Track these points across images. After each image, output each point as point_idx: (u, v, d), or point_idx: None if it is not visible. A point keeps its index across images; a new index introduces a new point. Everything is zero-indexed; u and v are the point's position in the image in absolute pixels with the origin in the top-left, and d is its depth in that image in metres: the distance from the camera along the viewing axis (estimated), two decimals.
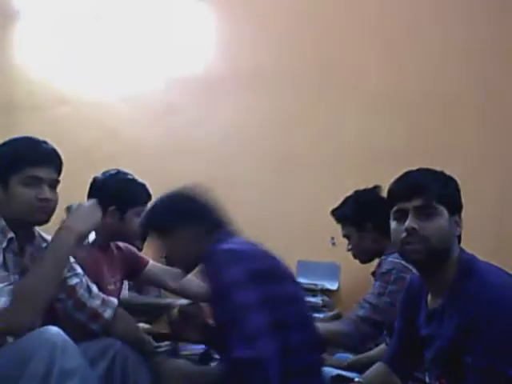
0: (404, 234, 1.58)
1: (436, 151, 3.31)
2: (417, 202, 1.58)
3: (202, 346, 2.91)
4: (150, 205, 2.04)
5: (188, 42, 4.12)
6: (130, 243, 2.54)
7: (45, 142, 1.93)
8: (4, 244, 1.79)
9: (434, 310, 1.62)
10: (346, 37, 3.73)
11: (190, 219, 1.87)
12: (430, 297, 1.67)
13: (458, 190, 1.66)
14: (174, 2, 4.21)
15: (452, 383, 1.60)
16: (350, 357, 2.65)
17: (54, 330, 1.61)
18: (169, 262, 1.95)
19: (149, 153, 4.10)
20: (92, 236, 2.37)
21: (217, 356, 2.22)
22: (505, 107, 3.37)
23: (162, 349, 1.87)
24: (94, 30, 4.33)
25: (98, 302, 2.04)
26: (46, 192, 1.84)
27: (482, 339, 1.45)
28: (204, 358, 2.33)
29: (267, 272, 1.73)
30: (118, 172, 2.38)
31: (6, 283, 1.69)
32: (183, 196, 1.94)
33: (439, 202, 1.58)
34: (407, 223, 1.57)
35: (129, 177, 2.37)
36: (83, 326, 2.01)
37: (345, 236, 2.69)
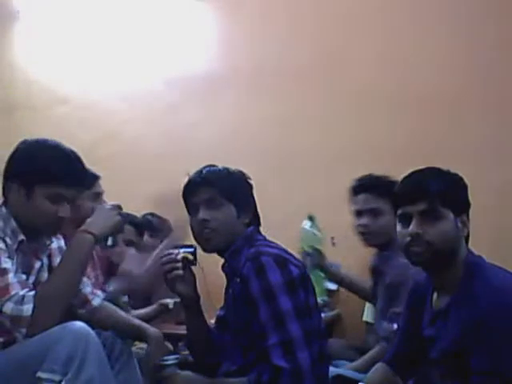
0: (408, 239, 1.59)
1: (437, 150, 3.30)
2: (421, 206, 1.58)
3: None
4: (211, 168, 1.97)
5: (188, 42, 4.12)
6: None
7: (79, 161, 1.89)
8: (15, 246, 1.81)
9: (439, 311, 1.63)
10: (348, 34, 3.72)
11: (243, 199, 1.89)
12: (435, 297, 1.67)
13: (464, 189, 1.65)
14: (174, 1, 4.20)
15: (455, 382, 1.59)
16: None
17: (78, 323, 1.67)
18: (209, 230, 1.86)
19: (148, 153, 4.09)
20: None
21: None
22: (507, 106, 3.37)
23: (169, 362, 1.83)
24: (93, 29, 4.32)
25: (88, 289, 2.06)
26: (67, 210, 1.85)
27: (485, 342, 1.45)
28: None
29: (302, 281, 1.75)
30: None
31: (27, 289, 1.72)
32: (245, 177, 1.95)
33: (444, 204, 1.57)
34: (411, 228, 1.58)
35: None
36: (71, 310, 2.00)
37: (370, 210, 2.48)
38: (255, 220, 1.94)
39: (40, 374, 1.58)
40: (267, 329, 1.66)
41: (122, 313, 2.20)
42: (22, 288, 1.71)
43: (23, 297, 1.68)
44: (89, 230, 1.83)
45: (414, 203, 1.59)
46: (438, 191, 1.58)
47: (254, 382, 1.66)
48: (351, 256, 3.33)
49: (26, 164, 1.84)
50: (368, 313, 3.21)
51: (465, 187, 1.65)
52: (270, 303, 1.67)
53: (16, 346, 1.71)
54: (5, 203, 1.86)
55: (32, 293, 1.70)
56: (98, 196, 2.36)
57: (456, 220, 1.59)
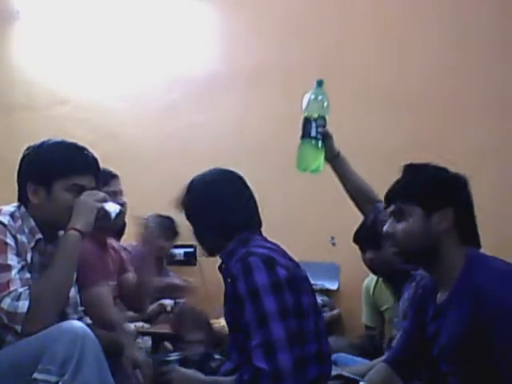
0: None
1: (435, 151, 3.30)
2: (391, 208, 1.66)
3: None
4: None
5: (188, 42, 4.12)
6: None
7: (87, 150, 1.96)
8: (32, 244, 1.84)
9: (440, 306, 1.63)
10: (348, 35, 3.73)
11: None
12: (439, 295, 1.67)
13: (440, 184, 1.64)
14: (174, 1, 4.21)
15: (460, 378, 1.59)
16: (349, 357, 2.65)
17: (76, 322, 1.69)
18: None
19: (149, 153, 4.10)
20: None
21: (217, 356, 2.21)
22: (505, 107, 3.37)
23: (172, 358, 1.86)
24: (93, 29, 4.33)
25: (75, 317, 1.99)
26: None
27: (505, 329, 1.45)
28: (204, 358, 2.32)
29: (289, 283, 1.73)
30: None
31: (26, 287, 1.73)
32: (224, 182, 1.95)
33: (409, 202, 1.61)
34: (384, 228, 1.67)
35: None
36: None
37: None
38: (253, 221, 1.93)
39: (36, 375, 1.57)
40: (251, 329, 1.66)
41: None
42: (23, 285, 1.72)
43: (20, 293, 1.70)
44: (73, 227, 1.83)
45: (389, 205, 1.68)
46: (400, 191, 1.65)
47: (236, 382, 1.68)
48: (351, 256, 3.34)
49: (39, 164, 1.88)
50: (367, 315, 3.20)
51: (442, 182, 1.65)
52: (254, 304, 1.66)
53: (12, 346, 1.71)
54: (25, 205, 1.88)
55: (29, 290, 1.72)
56: (115, 194, 2.36)
57: (429, 216, 1.59)
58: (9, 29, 4.53)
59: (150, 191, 3.90)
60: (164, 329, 3.16)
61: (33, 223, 1.85)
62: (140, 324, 3.15)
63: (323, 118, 2.18)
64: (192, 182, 1.96)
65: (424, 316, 1.72)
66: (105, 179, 2.33)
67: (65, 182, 1.86)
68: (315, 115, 2.16)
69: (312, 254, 3.52)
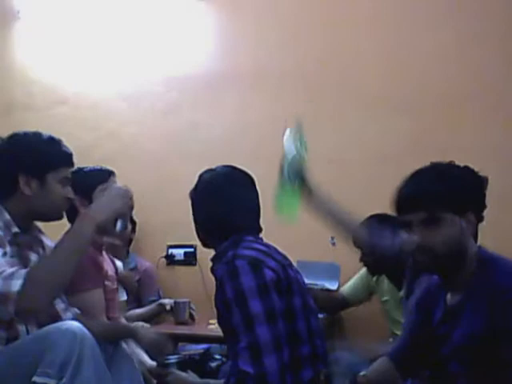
0: (414, 247, 1.58)
1: (435, 153, 3.30)
2: (420, 215, 1.56)
3: (202, 346, 2.92)
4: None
5: (188, 42, 4.12)
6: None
7: (64, 143, 2.00)
8: (8, 237, 1.82)
9: (452, 307, 1.62)
10: (348, 36, 3.73)
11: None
12: (449, 296, 1.66)
13: (468, 186, 1.60)
14: (174, 1, 4.20)
15: (470, 379, 1.58)
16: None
17: (74, 322, 1.68)
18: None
19: (148, 153, 4.10)
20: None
21: (217, 356, 2.22)
22: (505, 107, 3.37)
23: (172, 360, 1.89)
24: (93, 29, 4.32)
25: (62, 306, 2.00)
26: (72, 192, 1.96)
27: None
28: (204, 358, 2.33)
29: (277, 285, 1.72)
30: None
31: (17, 267, 1.70)
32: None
33: (444, 209, 1.54)
34: (414, 238, 1.57)
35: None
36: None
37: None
38: (253, 225, 1.92)
39: (35, 379, 1.58)
40: (238, 332, 1.66)
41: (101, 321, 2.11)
42: (11, 267, 1.68)
43: (13, 273, 1.64)
44: (91, 215, 1.77)
45: (413, 212, 1.57)
46: (436, 198, 1.55)
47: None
48: (351, 256, 3.34)
49: (32, 156, 1.88)
50: (352, 289, 3.20)
51: (470, 184, 1.60)
52: (241, 307, 1.66)
53: (11, 346, 1.70)
54: None
55: (24, 270, 1.67)
56: None
57: (460, 220, 1.56)
58: (9, 29, 4.52)
59: (150, 191, 3.90)
60: (164, 329, 3.16)
61: (7, 216, 1.83)
62: (140, 324, 3.15)
63: (297, 160, 2.22)
64: (202, 175, 1.96)
65: (430, 317, 1.70)
66: (103, 176, 2.36)
67: (56, 175, 1.89)
68: (289, 157, 2.20)
69: (312, 254, 3.52)
